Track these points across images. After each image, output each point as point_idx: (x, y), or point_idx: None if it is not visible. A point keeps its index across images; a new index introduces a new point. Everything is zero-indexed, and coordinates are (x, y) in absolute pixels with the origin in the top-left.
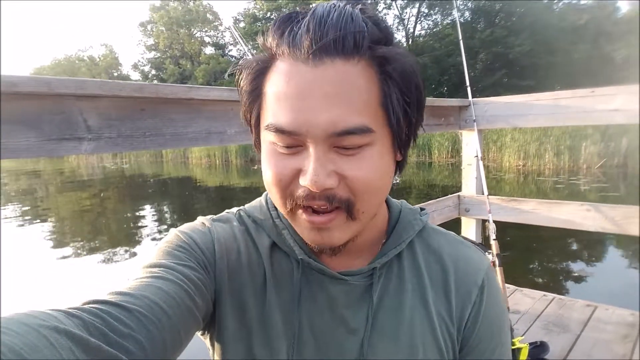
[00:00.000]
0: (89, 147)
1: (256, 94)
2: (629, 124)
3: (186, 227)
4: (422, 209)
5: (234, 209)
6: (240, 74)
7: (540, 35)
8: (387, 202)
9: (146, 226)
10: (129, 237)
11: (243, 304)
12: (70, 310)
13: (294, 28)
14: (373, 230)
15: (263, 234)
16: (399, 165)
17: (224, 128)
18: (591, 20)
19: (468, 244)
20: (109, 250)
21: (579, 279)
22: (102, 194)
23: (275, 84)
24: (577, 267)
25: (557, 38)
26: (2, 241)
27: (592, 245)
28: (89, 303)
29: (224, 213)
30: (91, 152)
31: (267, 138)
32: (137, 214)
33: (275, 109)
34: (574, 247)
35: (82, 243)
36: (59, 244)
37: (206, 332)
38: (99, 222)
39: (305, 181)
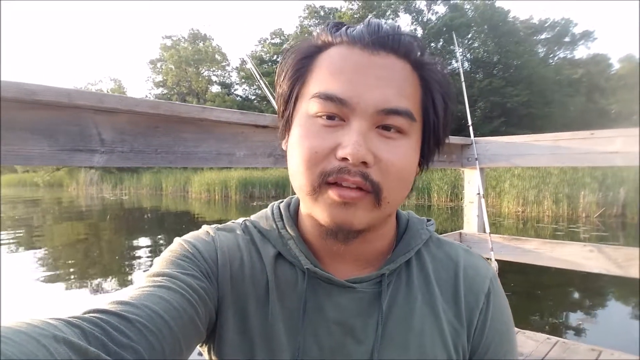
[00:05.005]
0: (101, 159)
1: (302, 71)
2: (628, 166)
3: (190, 235)
4: (428, 220)
5: (240, 219)
6: (286, 57)
7: (537, 86)
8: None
9: (140, 257)
10: (121, 268)
11: (245, 314)
12: (70, 319)
13: (351, 27)
14: (382, 239)
15: (268, 244)
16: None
17: (234, 150)
18: (586, 75)
19: (474, 253)
20: (100, 280)
21: (581, 327)
22: (99, 224)
23: (330, 61)
24: (579, 315)
25: (553, 90)
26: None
27: (595, 292)
28: (89, 312)
29: (229, 223)
30: (103, 164)
31: (310, 110)
32: (132, 244)
33: (328, 79)
34: (576, 293)
35: (73, 272)
36: (49, 271)
37: (204, 343)
38: (92, 253)
39: (344, 152)
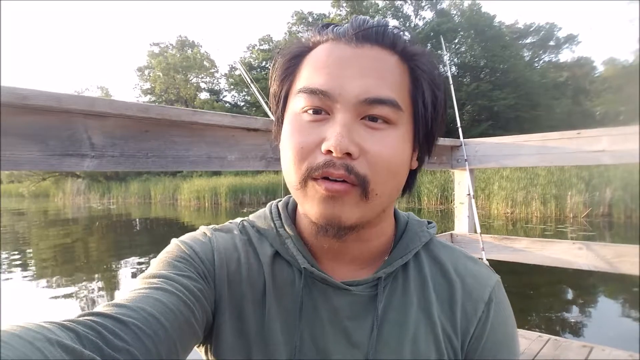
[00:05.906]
0: (91, 164)
1: (291, 70)
2: (614, 164)
3: (187, 236)
4: (429, 222)
5: (238, 219)
6: (277, 59)
7: (523, 89)
8: (394, 213)
9: (125, 267)
10: (105, 279)
11: (242, 315)
12: (65, 322)
13: (339, 26)
14: (379, 240)
15: (266, 243)
16: (410, 180)
17: (225, 154)
18: (571, 78)
19: (476, 259)
20: (85, 287)
21: (572, 324)
22: (87, 237)
23: (316, 58)
24: (570, 313)
25: (539, 93)
26: None
27: (585, 289)
28: (84, 315)
29: (226, 223)
30: (93, 169)
31: (297, 106)
32: (119, 259)
33: (313, 75)
34: (567, 291)
35: (57, 282)
36: (34, 280)
37: (201, 344)
38: (77, 264)
39: (328, 144)
